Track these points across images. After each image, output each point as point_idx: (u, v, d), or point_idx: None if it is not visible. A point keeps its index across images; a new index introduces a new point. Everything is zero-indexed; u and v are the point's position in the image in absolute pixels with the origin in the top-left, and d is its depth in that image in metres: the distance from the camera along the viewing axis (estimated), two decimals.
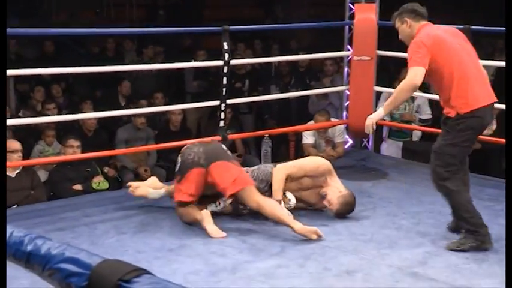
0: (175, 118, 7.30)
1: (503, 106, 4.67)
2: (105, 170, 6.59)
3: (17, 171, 5.69)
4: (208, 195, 4.60)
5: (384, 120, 6.55)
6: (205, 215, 4.39)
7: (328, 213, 4.77)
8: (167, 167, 6.78)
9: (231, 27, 5.64)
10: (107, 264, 1.19)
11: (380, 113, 4.29)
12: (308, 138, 6.70)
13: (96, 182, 6.18)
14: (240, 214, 4.67)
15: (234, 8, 12.95)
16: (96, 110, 7.17)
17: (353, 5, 6.51)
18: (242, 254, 4.03)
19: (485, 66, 4.45)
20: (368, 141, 6.96)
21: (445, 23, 4.60)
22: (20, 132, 6.70)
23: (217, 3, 13.10)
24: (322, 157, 5.25)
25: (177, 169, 4.62)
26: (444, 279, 3.69)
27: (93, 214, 4.81)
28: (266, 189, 4.68)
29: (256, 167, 4.97)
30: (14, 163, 5.59)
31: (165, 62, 8.58)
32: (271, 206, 4.40)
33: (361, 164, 6.37)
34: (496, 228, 4.16)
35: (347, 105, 6.69)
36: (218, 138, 5.84)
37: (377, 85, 6.49)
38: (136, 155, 7.04)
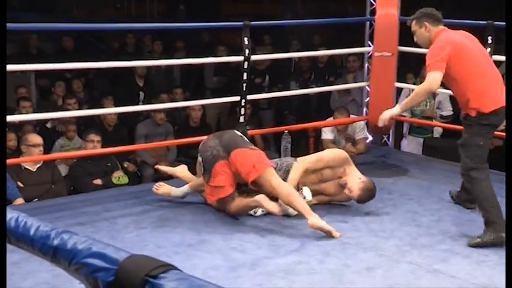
0: (195, 114, 7.31)
1: None
2: (125, 165, 6.62)
3: (38, 166, 5.73)
4: (243, 184, 4.59)
5: (405, 116, 6.52)
6: (262, 197, 4.35)
7: (348, 209, 4.77)
8: (187, 163, 6.80)
9: (252, 22, 5.64)
10: (134, 259, 1.19)
11: (396, 110, 4.44)
12: (327, 134, 6.67)
13: (116, 177, 6.21)
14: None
15: (253, 4, 12.94)
16: (116, 105, 7.19)
17: (374, 0, 6.48)
18: (262, 249, 4.03)
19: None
20: (388, 138, 6.93)
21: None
22: (42, 128, 6.77)
23: None
24: None
25: (202, 170, 4.61)
26: (465, 276, 3.67)
27: (113, 209, 4.83)
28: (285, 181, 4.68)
29: (278, 159, 5.01)
30: (35, 157, 5.63)
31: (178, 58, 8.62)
32: (288, 191, 4.32)
33: (381, 161, 6.35)
34: None
35: (367, 101, 6.67)
36: None
37: (398, 81, 6.46)
38: (156, 150, 7.06)
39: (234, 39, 9.59)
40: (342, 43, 7.98)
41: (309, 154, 5.11)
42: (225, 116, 8.36)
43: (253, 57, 5.80)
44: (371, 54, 6.49)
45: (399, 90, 6.80)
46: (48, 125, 7.16)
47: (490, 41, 5.55)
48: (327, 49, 8.14)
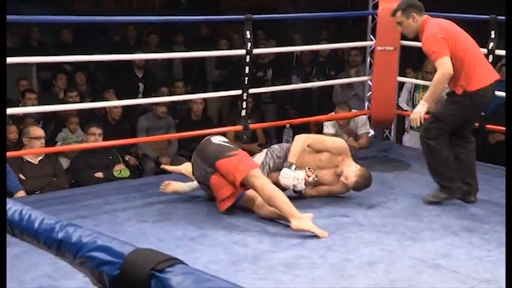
0: (196, 107, 7.30)
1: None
2: (127, 158, 6.62)
3: (40, 158, 5.74)
4: None
5: (406, 110, 6.51)
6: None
7: (350, 203, 4.77)
8: (188, 156, 6.80)
9: (254, 16, 5.63)
10: (140, 253, 1.19)
11: (424, 106, 4.53)
12: (329, 128, 6.66)
13: (118, 170, 6.20)
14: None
15: None
16: (118, 98, 7.18)
17: None
18: (263, 243, 4.02)
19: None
20: (390, 132, 6.92)
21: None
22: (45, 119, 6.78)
23: None
24: None
25: (206, 192, 4.64)
26: (466, 271, 3.66)
27: (114, 202, 4.83)
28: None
29: (276, 145, 5.03)
30: (37, 150, 5.63)
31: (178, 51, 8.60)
32: (270, 194, 4.18)
33: (383, 155, 6.34)
34: None
35: (369, 95, 6.66)
36: (239, 127, 5.85)
37: (400, 75, 6.45)
38: (157, 143, 7.06)
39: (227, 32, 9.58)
40: (344, 37, 7.96)
41: None
42: (227, 110, 8.35)
43: (256, 51, 5.79)
44: (373, 48, 6.47)
45: (401, 85, 6.78)
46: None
47: (493, 36, 5.53)
48: (329, 43, 8.14)
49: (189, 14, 8.76)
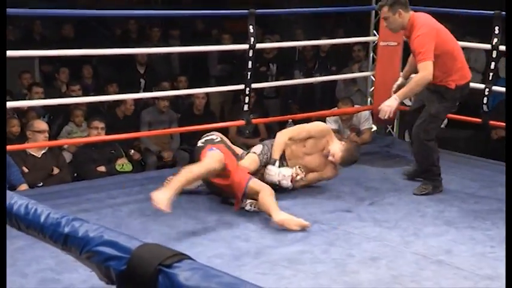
0: (199, 102, 7.29)
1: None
2: (131, 152, 6.60)
3: (43, 152, 5.74)
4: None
5: (409, 106, 6.49)
6: None
7: (353, 199, 4.77)
8: (190, 151, 6.79)
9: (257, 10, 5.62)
10: (147, 248, 1.18)
11: (395, 101, 4.61)
12: (331, 124, 6.65)
13: (120, 164, 6.20)
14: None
15: None
16: (122, 92, 7.17)
17: None
18: (266, 238, 4.02)
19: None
20: (393, 128, 6.91)
21: None
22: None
23: None
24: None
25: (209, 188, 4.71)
26: (469, 267, 3.66)
27: (117, 196, 4.83)
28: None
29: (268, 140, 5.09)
30: (40, 143, 5.63)
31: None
32: (199, 171, 4.31)
33: (385, 151, 6.33)
34: None
35: (372, 90, 6.64)
36: (242, 122, 5.85)
37: (403, 71, 6.42)
38: (159, 138, 7.05)
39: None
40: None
41: None
42: (229, 104, 8.33)
43: (259, 46, 5.78)
44: (376, 44, 6.46)
45: None
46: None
47: (497, 32, 5.52)
48: (330, 38, 8.12)
49: (192, 8, 8.72)
